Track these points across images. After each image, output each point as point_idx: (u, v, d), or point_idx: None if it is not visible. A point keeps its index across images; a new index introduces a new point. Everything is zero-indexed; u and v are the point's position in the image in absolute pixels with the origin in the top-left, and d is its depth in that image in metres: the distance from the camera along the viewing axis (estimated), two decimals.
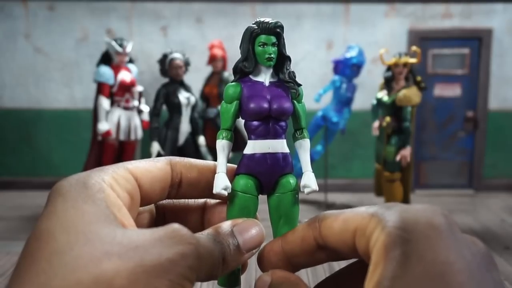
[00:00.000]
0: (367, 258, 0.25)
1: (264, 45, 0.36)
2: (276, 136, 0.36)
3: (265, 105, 0.35)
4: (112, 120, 3.32)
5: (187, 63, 3.30)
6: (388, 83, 3.01)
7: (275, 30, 0.36)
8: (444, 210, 0.24)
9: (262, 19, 0.36)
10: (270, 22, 0.36)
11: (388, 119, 2.97)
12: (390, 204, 0.26)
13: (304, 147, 0.37)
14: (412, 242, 0.22)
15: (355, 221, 0.26)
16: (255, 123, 0.36)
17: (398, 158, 2.93)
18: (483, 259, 0.23)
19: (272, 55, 0.36)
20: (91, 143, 3.43)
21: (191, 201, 0.37)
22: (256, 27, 0.36)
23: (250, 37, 0.36)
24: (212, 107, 3.76)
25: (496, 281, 0.23)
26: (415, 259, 0.21)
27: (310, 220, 0.30)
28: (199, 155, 3.37)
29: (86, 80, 4.30)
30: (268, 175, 0.35)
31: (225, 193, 0.33)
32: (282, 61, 0.37)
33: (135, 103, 3.44)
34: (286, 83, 0.37)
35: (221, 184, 0.33)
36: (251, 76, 0.37)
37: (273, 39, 0.36)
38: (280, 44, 0.36)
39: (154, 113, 3.27)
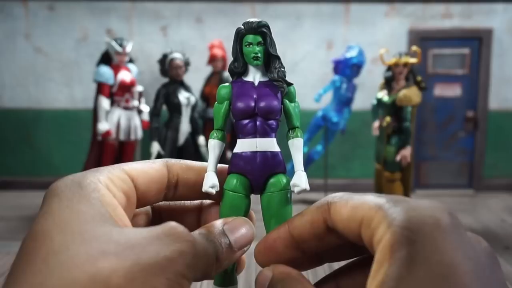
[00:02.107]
0: (371, 250, 0.25)
1: (250, 45, 0.36)
2: (264, 134, 0.36)
3: (251, 103, 0.36)
4: (112, 120, 3.32)
5: (187, 63, 3.30)
6: (388, 83, 3.01)
7: (260, 30, 0.36)
8: (450, 209, 0.24)
9: (248, 20, 0.37)
10: (254, 21, 0.36)
11: (388, 119, 2.97)
12: (397, 198, 0.25)
13: (297, 146, 0.37)
14: (418, 242, 0.22)
15: (362, 210, 0.26)
16: (243, 121, 0.36)
17: (398, 158, 2.93)
18: (488, 259, 0.23)
19: (258, 54, 0.36)
20: (91, 143, 3.43)
21: (187, 202, 0.37)
22: (242, 28, 0.37)
23: (237, 38, 0.37)
24: (212, 107, 3.76)
25: (500, 281, 0.23)
26: (421, 260, 0.21)
27: (319, 203, 0.30)
28: (199, 155, 3.37)
29: (86, 80, 4.30)
30: (257, 173, 0.35)
31: (213, 191, 0.34)
32: (271, 60, 0.37)
33: (135, 103, 3.43)
34: (275, 82, 0.37)
35: (209, 182, 0.34)
36: (242, 77, 0.38)
37: (259, 38, 0.36)
38: (266, 43, 0.37)
39: (154, 113, 3.26)
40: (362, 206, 0.26)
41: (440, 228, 0.22)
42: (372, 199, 0.26)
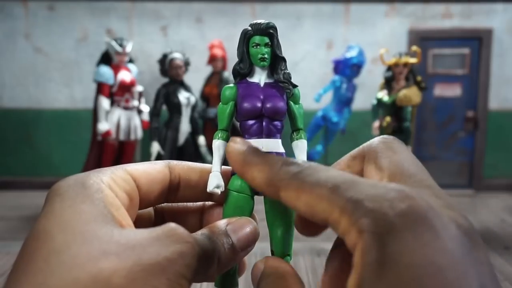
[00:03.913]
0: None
1: (257, 46, 0.36)
2: (270, 135, 0.36)
3: (258, 104, 0.36)
4: (112, 120, 3.32)
5: (187, 63, 3.30)
6: (388, 83, 3.01)
7: (268, 31, 0.36)
8: (416, 193, 0.22)
9: (255, 21, 0.37)
10: (262, 23, 0.37)
11: (388, 119, 2.97)
12: (357, 196, 0.22)
13: (301, 148, 0.37)
14: (387, 246, 0.21)
15: (324, 212, 0.23)
16: (249, 122, 0.36)
17: None
18: (465, 244, 0.22)
19: (265, 56, 0.36)
20: (91, 143, 3.43)
21: (190, 203, 0.36)
22: (250, 29, 0.37)
23: (244, 39, 0.37)
24: (212, 107, 3.76)
25: (482, 265, 0.21)
26: (390, 264, 0.20)
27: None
28: (199, 155, 3.37)
29: (86, 80, 4.30)
30: None
31: (218, 191, 0.34)
32: (276, 62, 0.37)
33: (135, 103, 3.44)
34: (281, 83, 0.37)
35: (214, 182, 0.34)
36: (247, 78, 0.38)
37: (266, 39, 0.37)
38: (273, 45, 0.37)
39: (154, 113, 3.27)
40: (321, 206, 0.23)
41: (408, 225, 0.21)
42: (327, 197, 0.23)
